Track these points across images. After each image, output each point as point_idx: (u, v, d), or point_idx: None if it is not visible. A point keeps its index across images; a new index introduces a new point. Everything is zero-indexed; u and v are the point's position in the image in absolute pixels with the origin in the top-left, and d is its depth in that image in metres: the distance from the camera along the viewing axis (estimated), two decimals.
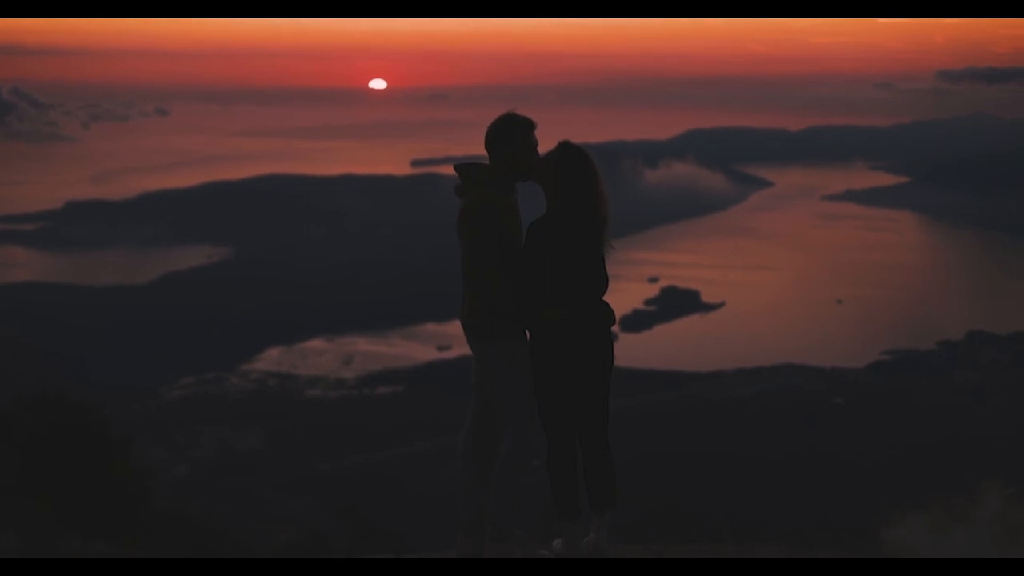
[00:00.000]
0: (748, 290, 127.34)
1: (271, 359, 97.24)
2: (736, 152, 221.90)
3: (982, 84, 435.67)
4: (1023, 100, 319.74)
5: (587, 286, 6.08)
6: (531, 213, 6.20)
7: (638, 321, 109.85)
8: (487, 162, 6.23)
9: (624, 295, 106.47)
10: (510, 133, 6.14)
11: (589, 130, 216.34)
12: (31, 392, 11.45)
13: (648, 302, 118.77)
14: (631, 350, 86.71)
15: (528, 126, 6.18)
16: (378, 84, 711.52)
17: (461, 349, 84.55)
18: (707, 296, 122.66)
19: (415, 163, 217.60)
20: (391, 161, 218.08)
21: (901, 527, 6.57)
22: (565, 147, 6.19)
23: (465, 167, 6.22)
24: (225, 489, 52.85)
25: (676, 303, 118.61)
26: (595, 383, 6.18)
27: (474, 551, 6.28)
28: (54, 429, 10.80)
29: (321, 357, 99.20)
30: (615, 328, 6.30)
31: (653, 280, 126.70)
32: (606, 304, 6.20)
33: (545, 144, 6.22)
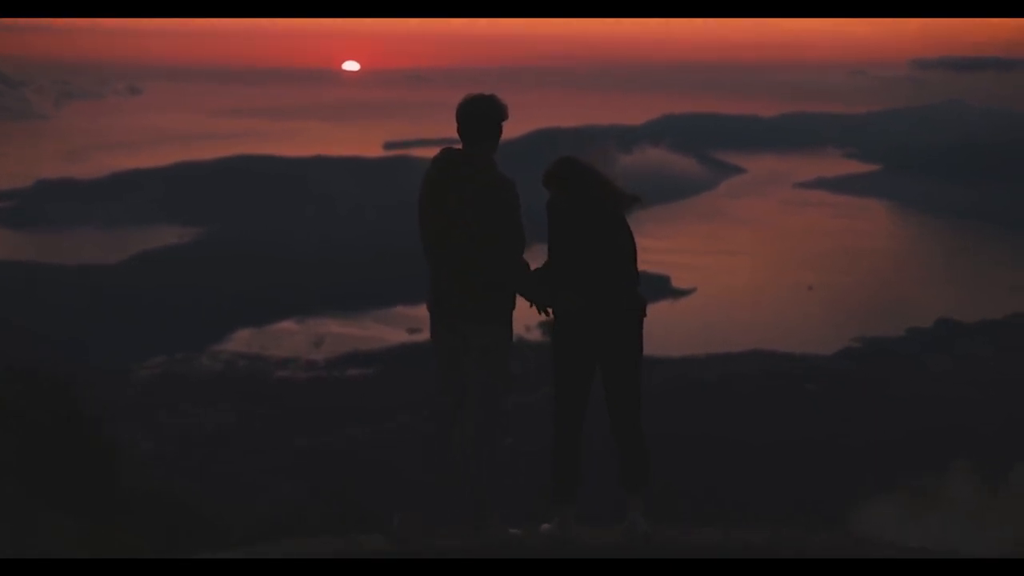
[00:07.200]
0: (719, 276, 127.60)
1: (241, 340, 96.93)
2: (709, 138, 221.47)
3: (956, 72, 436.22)
4: (996, 89, 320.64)
5: (610, 275, 6.11)
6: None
7: None
8: (460, 145, 6.19)
9: None
10: (491, 115, 6.12)
11: (563, 114, 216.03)
12: (1, 371, 11.39)
13: None
14: None
15: (504, 106, 6.17)
16: (351, 66, 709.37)
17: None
18: (677, 281, 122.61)
19: (387, 145, 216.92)
20: (363, 143, 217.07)
21: (873, 511, 6.65)
22: (554, 172, 6.24)
23: (464, 153, 6.13)
24: (195, 468, 52.62)
25: (647, 288, 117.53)
26: (619, 369, 6.20)
27: (463, 534, 6.29)
28: (24, 408, 10.75)
29: (291, 339, 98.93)
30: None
31: None
32: (638, 294, 6.22)
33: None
